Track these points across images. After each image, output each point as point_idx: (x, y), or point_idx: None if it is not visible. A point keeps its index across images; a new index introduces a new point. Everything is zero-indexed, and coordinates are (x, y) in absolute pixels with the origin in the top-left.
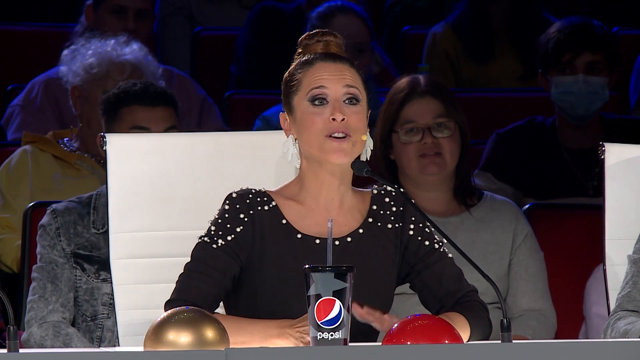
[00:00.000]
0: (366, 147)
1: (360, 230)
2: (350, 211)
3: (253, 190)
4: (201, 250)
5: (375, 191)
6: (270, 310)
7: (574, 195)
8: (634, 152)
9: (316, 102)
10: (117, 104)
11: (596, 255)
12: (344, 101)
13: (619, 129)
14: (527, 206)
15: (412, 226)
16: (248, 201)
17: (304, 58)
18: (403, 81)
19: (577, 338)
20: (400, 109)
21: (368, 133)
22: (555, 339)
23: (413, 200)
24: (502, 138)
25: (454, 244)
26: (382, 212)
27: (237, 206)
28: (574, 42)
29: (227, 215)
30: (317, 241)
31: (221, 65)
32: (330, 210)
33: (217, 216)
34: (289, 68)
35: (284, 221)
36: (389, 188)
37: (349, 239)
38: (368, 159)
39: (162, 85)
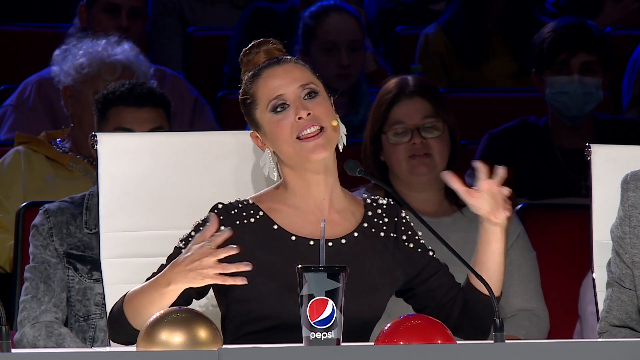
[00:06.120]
0: (340, 134)
1: (356, 234)
2: (343, 212)
3: (240, 205)
4: (172, 254)
5: (369, 200)
6: (269, 316)
7: (567, 196)
8: (620, 152)
9: (278, 110)
10: (106, 104)
11: (589, 255)
12: (303, 98)
13: (612, 129)
14: (519, 206)
15: (404, 237)
16: (234, 213)
17: (251, 72)
18: (392, 82)
19: (570, 337)
20: (389, 109)
21: (338, 118)
22: (548, 338)
23: (402, 200)
24: (494, 138)
25: (446, 244)
26: (375, 219)
27: (221, 217)
28: (569, 42)
29: (208, 224)
30: (312, 242)
31: (213, 65)
32: (322, 210)
33: (199, 221)
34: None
35: (275, 227)
36: (380, 201)
37: (343, 241)
38: (345, 144)
39: (153, 85)
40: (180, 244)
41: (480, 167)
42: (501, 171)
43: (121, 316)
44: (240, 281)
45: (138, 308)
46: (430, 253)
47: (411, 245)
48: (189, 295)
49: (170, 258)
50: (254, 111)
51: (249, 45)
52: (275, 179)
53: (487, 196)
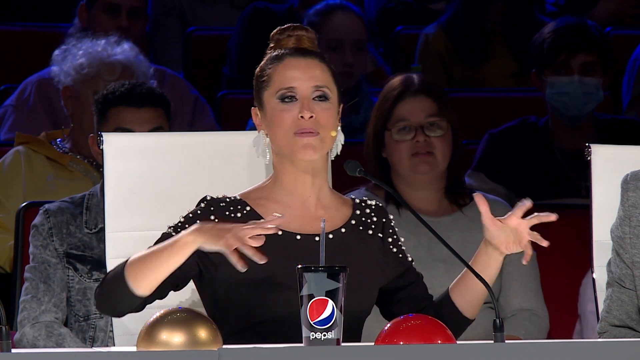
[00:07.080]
0: (336, 142)
1: (343, 230)
2: (331, 209)
3: (227, 199)
4: (161, 239)
5: (357, 200)
6: (254, 309)
7: (567, 196)
8: (620, 153)
9: (286, 100)
10: (105, 104)
11: (588, 255)
12: (313, 98)
13: (612, 129)
14: None
15: (390, 240)
16: (222, 205)
17: (274, 53)
18: (397, 79)
19: (570, 337)
20: (393, 107)
21: (340, 129)
22: (548, 338)
23: (402, 201)
24: (494, 138)
25: (446, 244)
26: (363, 218)
27: (211, 208)
28: (569, 42)
29: (198, 212)
30: (298, 237)
31: (213, 66)
32: (309, 206)
33: (188, 211)
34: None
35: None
36: (369, 202)
37: (330, 236)
38: (338, 153)
39: (153, 85)
40: (169, 230)
41: (523, 206)
42: (528, 203)
43: (119, 281)
44: (240, 266)
45: (142, 267)
46: (410, 259)
47: (394, 249)
48: (171, 283)
49: (158, 240)
50: (264, 91)
51: (285, 25)
52: (266, 162)
53: (509, 230)
